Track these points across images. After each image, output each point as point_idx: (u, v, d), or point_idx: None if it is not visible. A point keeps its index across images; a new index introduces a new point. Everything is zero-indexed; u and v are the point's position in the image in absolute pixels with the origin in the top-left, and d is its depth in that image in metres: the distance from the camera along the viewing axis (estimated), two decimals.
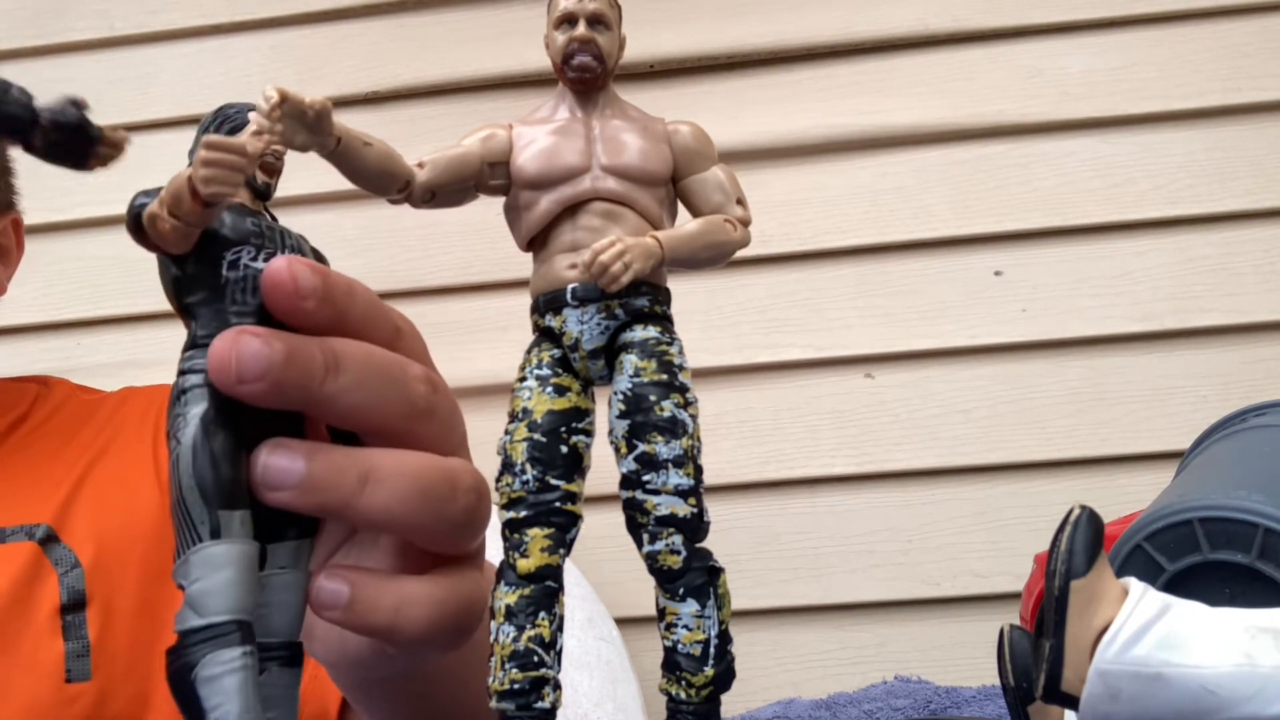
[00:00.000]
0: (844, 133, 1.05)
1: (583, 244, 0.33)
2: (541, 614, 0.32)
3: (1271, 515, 0.45)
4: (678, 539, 0.32)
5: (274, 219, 0.31)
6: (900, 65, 1.06)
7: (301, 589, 0.29)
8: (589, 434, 0.34)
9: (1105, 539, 0.33)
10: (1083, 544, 0.32)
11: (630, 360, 0.33)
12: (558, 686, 0.32)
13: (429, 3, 1.11)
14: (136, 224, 0.28)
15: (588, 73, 0.35)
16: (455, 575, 0.32)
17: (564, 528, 0.33)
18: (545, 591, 0.32)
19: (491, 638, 0.32)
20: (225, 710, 0.25)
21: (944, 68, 1.06)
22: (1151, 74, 1.04)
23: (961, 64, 1.06)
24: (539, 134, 0.35)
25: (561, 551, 0.33)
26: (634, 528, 0.33)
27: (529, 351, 0.35)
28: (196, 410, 0.27)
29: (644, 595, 0.34)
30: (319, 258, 0.32)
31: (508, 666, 0.31)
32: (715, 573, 0.33)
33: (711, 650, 0.32)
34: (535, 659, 0.31)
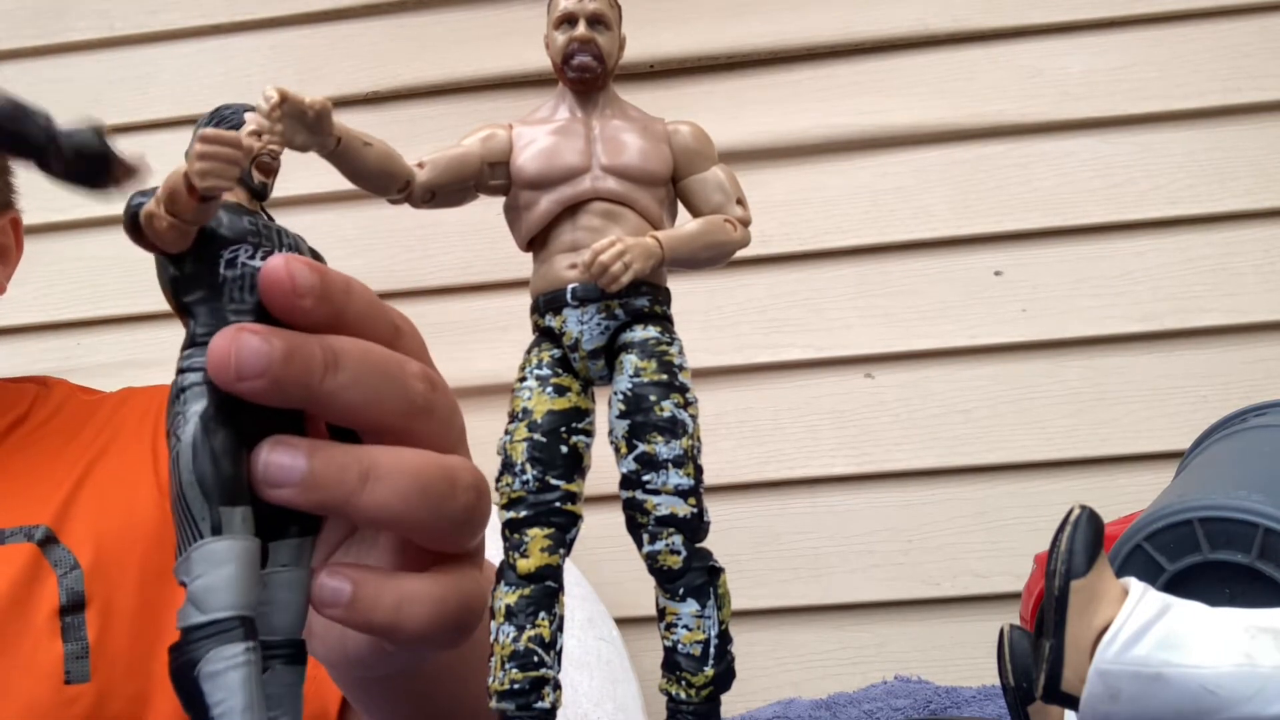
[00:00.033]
0: (844, 133, 1.05)
1: (583, 244, 0.33)
2: (541, 614, 0.32)
3: (1271, 515, 0.45)
4: (678, 539, 0.32)
5: (270, 218, 0.31)
6: (900, 65, 1.06)
7: (304, 587, 0.29)
8: (589, 434, 0.34)
9: (1105, 539, 0.33)
10: (1083, 544, 0.32)
11: (630, 360, 0.33)
12: (558, 686, 0.32)
13: (429, 3, 1.11)
14: (134, 223, 0.28)
15: (588, 73, 0.35)
16: (455, 573, 0.32)
17: (564, 528, 0.33)
18: (545, 591, 0.32)
19: (491, 638, 0.32)
20: (229, 706, 0.25)
21: (944, 68, 1.06)
22: (1151, 74, 1.04)
23: (961, 64, 1.06)
24: (539, 134, 0.35)
25: (561, 551, 0.33)
26: (634, 528, 0.33)
27: (529, 351, 0.35)
28: (196, 408, 0.27)
29: (644, 595, 0.34)
30: (316, 257, 0.32)
31: (508, 666, 0.31)
32: (715, 573, 0.33)
33: (711, 650, 0.32)
34: (535, 659, 0.31)
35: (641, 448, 0.32)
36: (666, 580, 0.32)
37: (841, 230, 1.05)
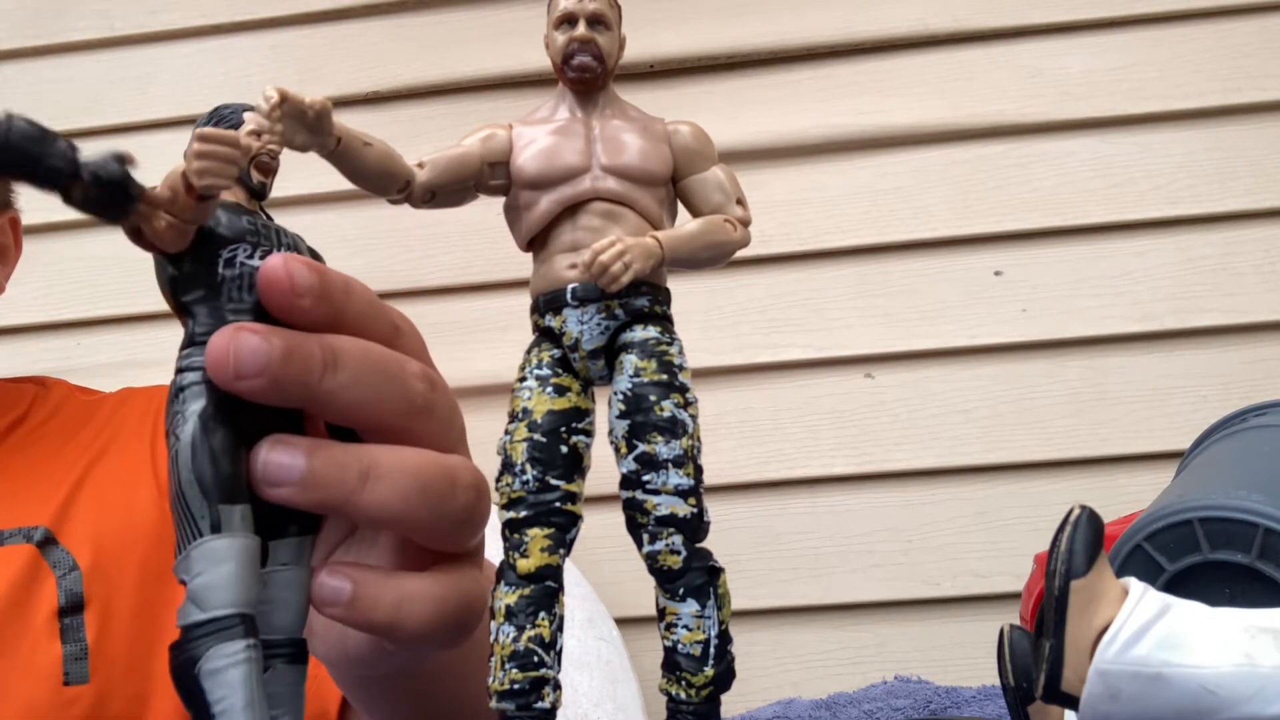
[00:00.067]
0: (844, 133, 1.05)
1: (583, 244, 0.33)
2: (541, 614, 0.32)
3: (1271, 515, 0.45)
4: (678, 539, 0.32)
5: (269, 218, 0.31)
6: (900, 65, 1.06)
7: (304, 586, 0.29)
8: (589, 434, 0.34)
9: (1105, 539, 0.33)
10: (1083, 544, 0.32)
11: (630, 360, 0.33)
12: (558, 686, 0.32)
13: (429, 3, 1.11)
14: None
15: (588, 73, 0.35)
16: (455, 573, 0.32)
17: (564, 528, 0.33)
18: (545, 591, 0.32)
19: (491, 638, 0.32)
20: (230, 703, 0.25)
21: (944, 68, 1.06)
22: (1151, 74, 1.04)
23: (961, 64, 1.06)
24: (539, 134, 0.35)
25: (561, 551, 0.33)
26: (634, 528, 0.33)
27: (529, 351, 0.35)
28: (195, 407, 0.27)
29: (644, 595, 0.34)
30: (315, 256, 0.32)
31: (508, 666, 0.31)
32: (715, 573, 0.33)
33: (711, 650, 0.32)
34: (535, 659, 0.31)
35: (641, 448, 0.32)
36: (666, 580, 0.32)
37: (841, 230, 1.05)
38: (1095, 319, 1.02)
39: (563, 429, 0.33)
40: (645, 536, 0.32)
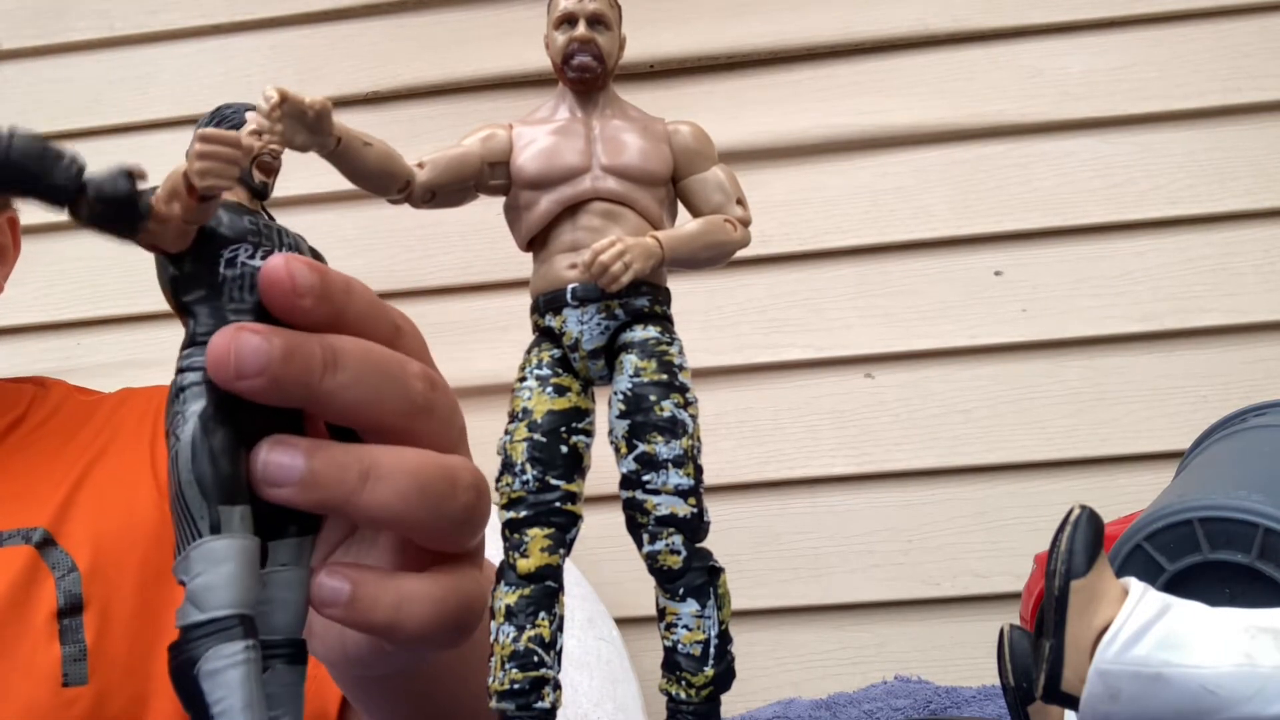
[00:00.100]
0: (844, 133, 1.05)
1: (583, 244, 0.33)
2: (541, 614, 0.32)
3: (1271, 515, 0.45)
4: (678, 539, 0.32)
5: (271, 218, 0.31)
6: (900, 65, 1.06)
7: (303, 586, 0.29)
8: (589, 434, 0.34)
9: (1105, 539, 0.33)
10: (1083, 544, 0.32)
11: (630, 360, 0.33)
12: (558, 686, 0.32)
13: (429, 3, 1.11)
14: None
15: (588, 73, 0.35)
16: (455, 573, 0.32)
17: (564, 528, 0.33)
18: (545, 591, 0.32)
19: (491, 638, 0.32)
20: (229, 704, 0.25)
21: (944, 68, 1.06)
22: (1151, 74, 1.04)
23: (961, 64, 1.06)
24: (539, 134, 0.35)
25: (561, 551, 0.33)
26: (634, 528, 0.33)
27: (529, 351, 0.35)
28: (195, 407, 0.27)
29: (644, 595, 0.34)
30: (316, 256, 0.32)
31: (508, 666, 0.31)
32: (715, 573, 0.33)
33: (711, 650, 0.32)
34: (535, 659, 0.31)
35: (641, 448, 0.32)
36: (666, 580, 0.32)
37: (841, 230, 1.05)
38: (1095, 319, 1.02)
39: (563, 429, 0.33)
40: (645, 536, 0.32)
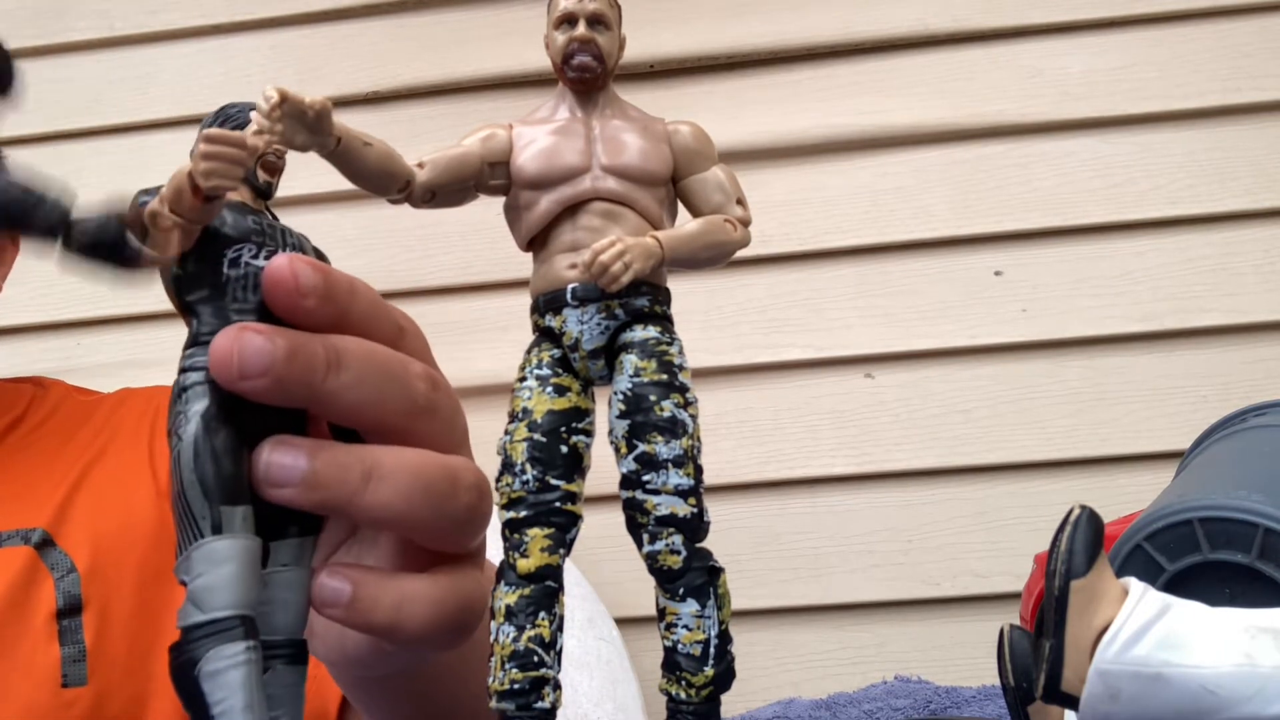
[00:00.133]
0: (844, 133, 1.05)
1: (583, 244, 0.33)
2: (541, 614, 0.32)
3: (1271, 515, 0.45)
4: (678, 539, 0.32)
5: (275, 218, 0.31)
6: (900, 65, 1.06)
7: (304, 587, 0.29)
8: (589, 434, 0.34)
9: (1105, 539, 0.33)
10: (1083, 544, 0.32)
11: (630, 360, 0.33)
12: (558, 686, 0.32)
13: (429, 3, 1.11)
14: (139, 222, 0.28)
15: (588, 73, 0.35)
16: (456, 574, 0.32)
17: (564, 528, 0.33)
18: (545, 591, 0.32)
19: (491, 638, 0.32)
20: (229, 705, 0.25)
21: (944, 68, 1.06)
22: (1151, 74, 1.04)
23: (961, 64, 1.06)
24: (539, 134, 0.35)
25: (561, 551, 0.33)
26: (634, 528, 0.33)
27: (529, 351, 0.35)
28: (198, 407, 0.27)
29: (644, 595, 0.34)
30: (320, 256, 0.32)
31: (508, 666, 0.31)
32: (715, 573, 0.33)
33: (711, 650, 0.32)
34: (535, 659, 0.31)
35: (641, 448, 0.32)
36: (666, 580, 0.32)
37: (841, 230, 1.05)
38: (1095, 319, 1.02)
39: (563, 429, 0.33)
40: (645, 536, 0.32)
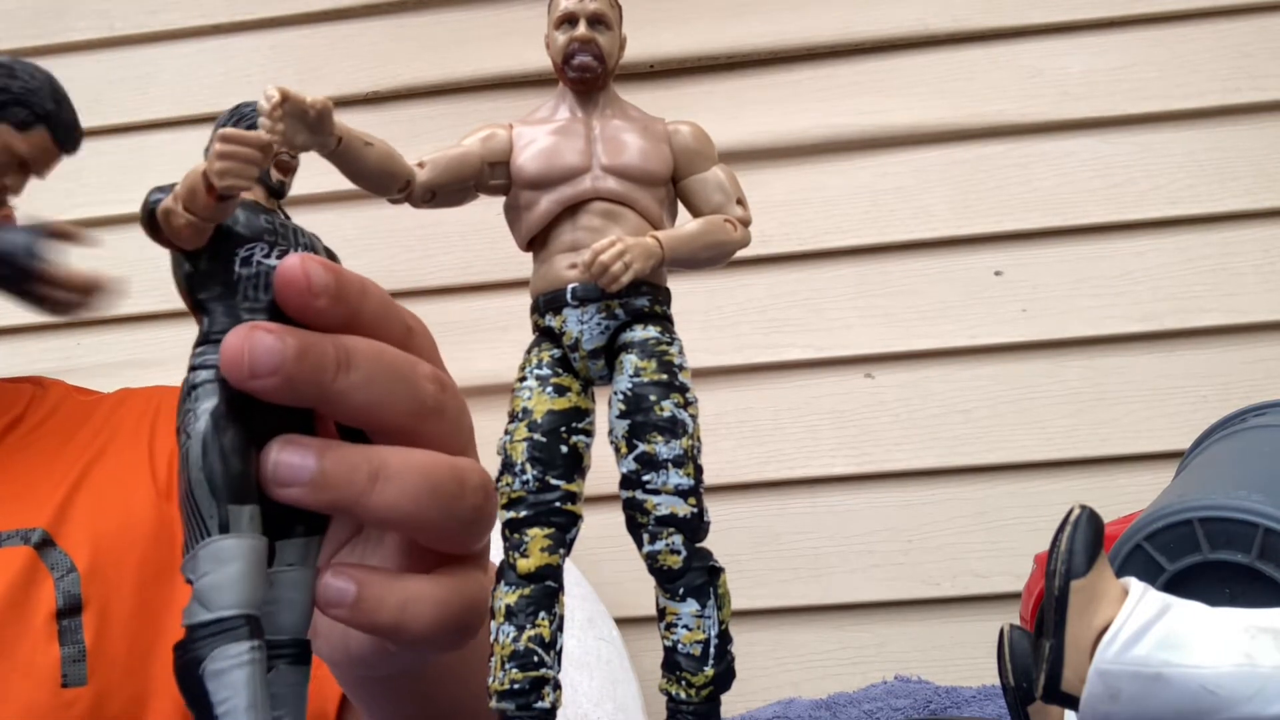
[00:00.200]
0: (844, 133, 1.05)
1: (583, 244, 0.33)
2: (541, 614, 0.32)
3: (1271, 515, 0.45)
4: (678, 539, 0.32)
5: (287, 217, 0.31)
6: (900, 65, 1.06)
7: (310, 587, 0.29)
8: (589, 434, 0.34)
9: (1105, 539, 0.33)
10: (1083, 544, 0.32)
11: (630, 360, 0.33)
12: (558, 686, 0.32)
13: (429, 3, 1.11)
14: (151, 220, 0.28)
15: (588, 73, 0.35)
16: (460, 575, 0.32)
17: (564, 527, 0.33)
18: (545, 591, 0.32)
19: (491, 638, 0.32)
20: (233, 704, 0.25)
21: (944, 68, 1.06)
22: (1151, 74, 1.04)
23: (961, 64, 1.06)
24: (539, 134, 0.35)
25: (561, 551, 0.33)
26: (634, 528, 0.33)
27: (529, 351, 0.35)
28: (207, 405, 0.27)
29: (644, 595, 0.34)
30: (331, 256, 0.32)
31: (508, 666, 0.31)
32: (715, 573, 0.33)
33: (711, 650, 0.32)
34: (535, 659, 0.31)
35: (641, 447, 0.32)
36: (666, 580, 0.32)
37: (841, 230, 1.05)
38: (1095, 319, 1.02)
39: (563, 429, 0.33)
40: (645, 536, 0.32)
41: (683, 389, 0.33)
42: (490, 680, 0.32)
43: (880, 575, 1.02)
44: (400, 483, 0.29)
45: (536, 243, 0.35)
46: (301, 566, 0.29)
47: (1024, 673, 0.33)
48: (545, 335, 0.35)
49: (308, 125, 0.29)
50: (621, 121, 0.35)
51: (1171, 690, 0.30)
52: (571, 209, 0.34)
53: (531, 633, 0.32)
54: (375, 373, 0.29)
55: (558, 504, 0.32)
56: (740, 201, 0.36)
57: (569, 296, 0.34)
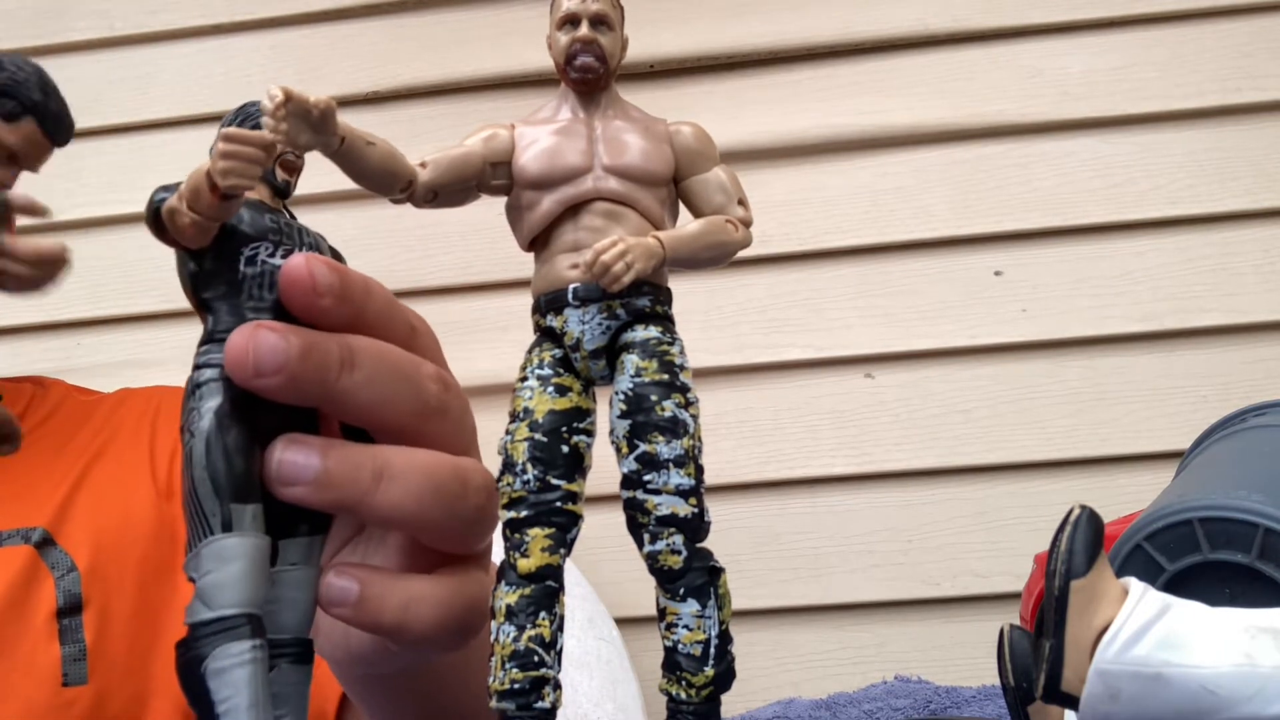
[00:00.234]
0: (844, 133, 1.05)
1: (584, 244, 0.33)
2: (542, 614, 0.32)
3: (1271, 515, 0.45)
4: (678, 539, 0.32)
5: (292, 217, 0.31)
6: (900, 65, 1.06)
7: (312, 586, 0.29)
8: (590, 434, 0.34)
9: (1105, 539, 0.33)
10: (1083, 544, 0.32)
11: (631, 360, 0.33)
12: (558, 686, 0.32)
13: (429, 3, 1.11)
14: (156, 219, 0.28)
15: (590, 73, 0.35)
16: (462, 575, 0.33)
17: (565, 527, 0.33)
18: (546, 591, 0.32)
19: (492, 637, 0.32)
20: (234, 703, 0.25)
21: (944, 68, 1.06)
22: (1151, 74, 1.04)
23: (961, 64, 1.06)
24: (541, 134, 0.35)
25: (562, 551, 0.33)
26: (635, 528, 0.33)
27: (530, 351, 0.35)
28: (211, 404, 0.27)
29: (644, 595, 0.34)
30: (336, 256, 0.32)
31: (508, 666, 0.31)
32: (716, 573, 0.33)
33: (712, 650, 0.32)
34: (535, 659, 0.31)
35: (643, 447, 0.32)
36: (667, 580, 0.32)
37: (841, 230, 1.05)
38: (1095, 319, 1.02)
39: (564, 429, 0.33)
40: (646, 536, 0.32)
41: (684, 389, 0.33)
42: (490, 680, 0.32)
43: (880, 575, 1.02)
44: (404, 482, 0.29)
45: (538, 243, 0.35)
46: (304, 566, 0.29)
47: (1024, 673, 0.33)
48: (547, 335, 0.35)
49: (311, 125, 0.29)
50: (623, 122, 0.35)
51: (1171, 690, 0.30)
52: (573, 209, 0.34)
53: (532, 632, 0.32)
54: (379, 372, 0.29)
55: (558, 504, 0.32)
56: (742, 202, 0.36)
57: (570, 296, 0.34)
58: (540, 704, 0.31)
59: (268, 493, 0.28)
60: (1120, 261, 1.03)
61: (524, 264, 0.36)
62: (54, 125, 0.28)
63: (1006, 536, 1.00)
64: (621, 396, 0.33)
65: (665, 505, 0.32)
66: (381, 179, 0.32)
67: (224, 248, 0.29)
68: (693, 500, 0.32)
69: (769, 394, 1.04)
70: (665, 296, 0.35)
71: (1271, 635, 0.30)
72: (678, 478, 0.32)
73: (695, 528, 0.32)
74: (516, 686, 0.31)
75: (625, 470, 0.33)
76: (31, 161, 0.28)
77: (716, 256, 0.35)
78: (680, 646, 0.32)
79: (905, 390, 1.03)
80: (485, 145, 0.35)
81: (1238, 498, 0.47)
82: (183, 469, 0.27)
